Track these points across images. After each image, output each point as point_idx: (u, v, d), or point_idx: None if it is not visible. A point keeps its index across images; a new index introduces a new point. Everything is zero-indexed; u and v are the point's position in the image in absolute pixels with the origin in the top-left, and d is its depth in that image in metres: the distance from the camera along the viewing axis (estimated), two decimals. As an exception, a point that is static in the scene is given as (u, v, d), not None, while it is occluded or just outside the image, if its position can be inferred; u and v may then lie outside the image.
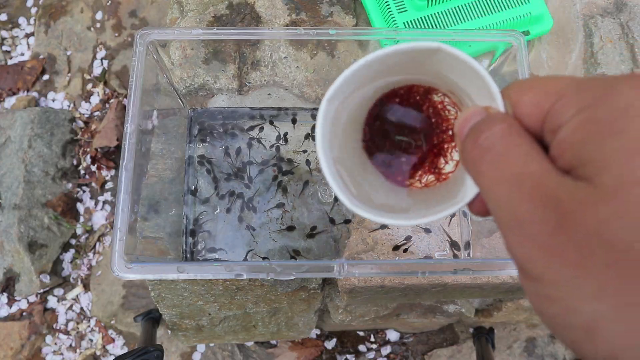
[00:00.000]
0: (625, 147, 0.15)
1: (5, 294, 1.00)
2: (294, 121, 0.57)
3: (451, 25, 0.52)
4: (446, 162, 0.29)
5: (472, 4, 0.53)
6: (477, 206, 0.23)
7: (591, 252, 0.15)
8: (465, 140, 0.20)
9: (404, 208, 0.28)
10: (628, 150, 0.15)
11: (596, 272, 0.15)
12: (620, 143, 0.15)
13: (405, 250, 0.53)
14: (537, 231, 0.16)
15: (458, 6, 0.53)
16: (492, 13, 0.53)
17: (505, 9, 0.53)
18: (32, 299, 1.02)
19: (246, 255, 0.53)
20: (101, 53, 1.16)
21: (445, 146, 0.29)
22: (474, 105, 0.22)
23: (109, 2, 1.18)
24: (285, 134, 0.56)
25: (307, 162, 0.55)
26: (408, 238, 0.53)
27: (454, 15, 0.52)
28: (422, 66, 0.26)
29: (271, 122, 0.57)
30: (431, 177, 0.29)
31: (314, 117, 0.57)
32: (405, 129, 0.30)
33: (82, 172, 1.09)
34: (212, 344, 0.96)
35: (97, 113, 1.13)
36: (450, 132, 0.28)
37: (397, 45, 0.24)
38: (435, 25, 0.52)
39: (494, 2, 0.53)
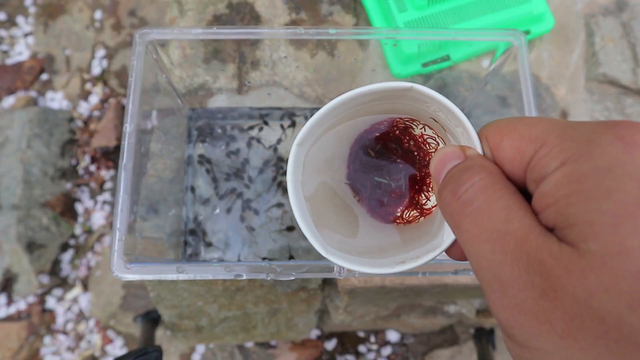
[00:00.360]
0: (612, 212, 0.14)
1: (3, 295, 1.00)
2: (293, 124, 0.57)
3: (451, 25, 0.52)
4: (427, 198, 0.28)
5: (473, 3, 0.52)
6: (455, 252, 0.22)
7: (581, 324, 0.14)
8: (444, 190, 0.19)
9: (392, 247, 0.26)
10: (615, 216, 0.14)
11: (587, 346, 0.14)
12: (607, 206, 0.14)
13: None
14: (522, 296, 0.15)
15: (458, 5, 0.52)
16: (492, 12, 0.53)
17: (506, 8, 0.53)
18: (31, 299, 1.02)
19: (240, 256, 0.53)
20: (100, 52, 1.15)
21: (428, 181, 0.28)
22: (449, 145, 0.21)
23: (108, 1, 1.17)
24: (285, 133, 0.56)
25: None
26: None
27: (455, 15, 0.52)
28: (399, 102, 0.25)
29: (267, 124, 0.57)
30: (414, 213, 0.28)
31: (314, 116, 0.57)
32: (385, 166, 0.29)
33: (81, 172, 1.09)
34: (211, 345, 0.96)
35: (96, 113, 1.13)
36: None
37: (368, 86, 0.23)
38: (436, 24, 0.52)
39: (495, 1, 0.53)
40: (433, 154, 0.27)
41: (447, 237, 0.22)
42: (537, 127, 0.18)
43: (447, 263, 0.40)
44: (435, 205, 0.27)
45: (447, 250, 0.22)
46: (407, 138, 0.28)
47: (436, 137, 0.27)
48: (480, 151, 0.20)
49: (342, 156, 0.29)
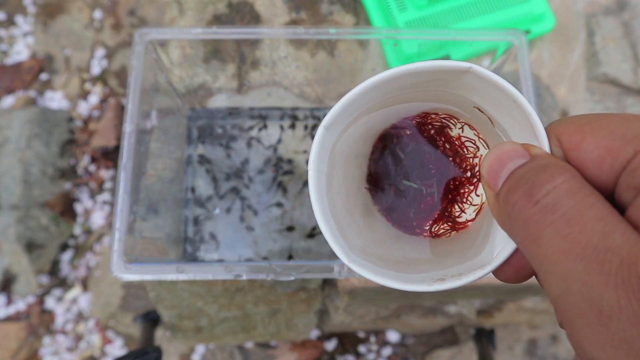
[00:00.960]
0: None
1: (2, 295, 1.00)
2: (293, 125, 0.57)
3: (452, 24, 0.52)
4: (462, 210, 0.24)
5: (473, 2, 0.52)
6: (507, 272, 0.19)
7: None
8: (514, 192, 0.16)
9: (422, 261, 0.23)
10: None
11: None
12: None
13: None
14: (633, 332, 0.12)
15: (459, 5, 0.52)
16: (493, 12, 0.52)
17: (507, 7, 0.52)
18: (30, 299, 1.01)
19: (239, 256, 0.53)
20: (100, 52, 1.15)
21: (463, 191, 0.24)
22: (507, 141, 0.18)
23: (108, 1, 1.17)
24: (285, 133, 0.56)
25: (307, 162, 0.55)
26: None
27: (455, 14, 0.52)
28: (443, 90, 0.21)
29: (266, 124, 0.57)
30: (445, 227, 0.25)
31: (314, 116, 0.57)
32: (414, 170, 0.25)
33: (81, 172, 1.09)
34: (211, 346, 0.96)
35: (95, 112, 1.12)
36: (468, 174, 0.24)
37: (419, 63, 0.19)
38: (436, 24, 0.52)
39: (495, 1, 0.52)
40: (471, 159, 0.24)
41: (500, 253, 0.19)
42: (635, 124, 0.15)
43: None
44: (471, 219, 0.24)
45: (497, 270, 0.19)
46: (443, 140, 0.24)
47: (476, 139, 0.24)
48: (548, 150, 0.17)
49: (365, 154, 0.25)
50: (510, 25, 0.52)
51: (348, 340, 0.99)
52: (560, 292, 0.14)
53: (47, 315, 1.02)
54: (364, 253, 0.22)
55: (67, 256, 1.04)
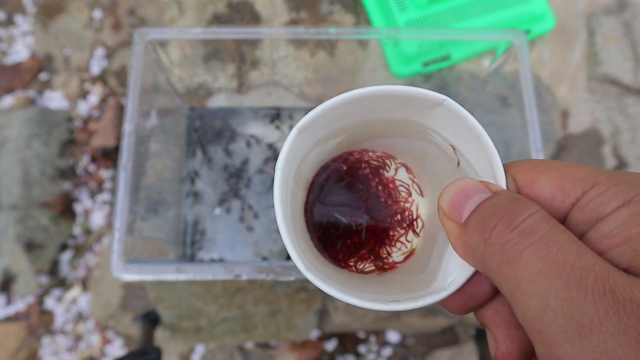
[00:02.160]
0: None
1: (2, 295, 1.00)
2: (291, 126, 0.56)
3: (452, 24, 0.52)
4: (389, 254, 0.24)
5: (474, 2, 0.52)
6: (459, 300, 0.20)
7: None
8: (487, 219, 0.17)
9: (369, 285, 0.23)
10: None
11: None
12: None
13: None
14: (613, 343, 0.13)
15: (459, 5, 0.52)
16: (493, 12, 0.52)
17: (507, 7, 0.52)
18: (30, 300, 1.01)
19: (239, 256, 0.53)
20: (99, 52, 1.15)
21: (392, 233, 0.24)
22: (467, 177, 0.19)
23: (107, 0, 1.17)
24: (285, 133, 0.56)
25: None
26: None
27: (455, 14, 0.52)
28: (412, 121, 0.22)
29: (266, 123, 0.56)
30: (370, 266, 0.25)
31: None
32: (347, 204, 0.25)
33: (80, 172, 1.09)
34: (211, 346, 0.96)
35: (95, 112, 1.12)
36: (398, 217, 0.25)
37: (397, 86, 0.20)
38: (436, 23, 0.52)
39: (496, 1, 0.52)
40: (402, 204, 0.24)
41: (455, 280, 0.19)
42: (582, 169, 0.17)
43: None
44: (399, 262, 0.24)
45: (447, 299, 0.20)
46: (377, 180, 0.25)
47: (410, 184, 0.24)
48: (504, 187, 0.19)
49: (309, 181, 0.25)
50: (510, 25, 0.52)
51: (348, 341, 0.99)
52: (538, 310, 0.14)
53: (46, 316, 1.02)
54: (318, 264, 0.22)
55: (66, 256, 1.04)
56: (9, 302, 1.00)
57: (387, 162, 0.25)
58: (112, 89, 1.13)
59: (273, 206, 0.54)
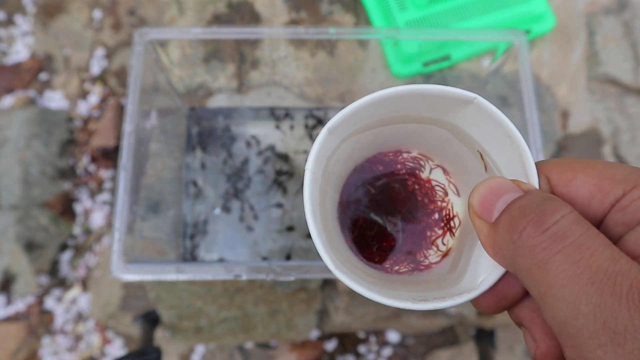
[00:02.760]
0: None
1: (2, 295, 1.00)
2: (292, 126, 0.56)
3: (452, 24, 0.52)
4: (426, 257, 0.24)
5: (474, 2, 0.52)
6: (490, 300, 0.19)
7: None
8: (516, 220, 0.16)
9: (398, 283, 0.23)
10: None
11: None
12: None
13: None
14: None
15: (459, 5, 0.52)
16: (493, 12, 0.52)
17: (507, 7, 0.52)
18: (30, 300, 1.01)
19: (239, 256, 0.53)
20: (99, 52, 1.15)
21: (429, 234, 0.24)
22: (497, 177, 0.19)
23: (107, 0, 1.17)
24: (285, 133, 0.56)
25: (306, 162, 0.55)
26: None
27: (455, 14, 0.52)
28: (441, 120, 0.21)
29: (266, 123, 0.56)
30: (406, 267, 0.25)
31: (313, 116, 0.56)
32: (382, 205, 0.25)
33: (80, 172, 1.09)
34: (211, 346, 0.96)
35: (95, 112, 1.12)
36: (436, 216, 0.24)
37: (426, 85, 0.20)
38: (436, 23, 0.52)
39: (496, 1, 0.52)
40: (439, 203, 0.24)
41: (486, 280, 0.19)
42: (621, 168, 0.17)
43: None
44: (435, 262, 0.24)
45: (478, 298, 0.20)
46: (413, 180, 0.25)
47: (447, 184, 0.24)
48: (537, 187, 0.18)
49: (343, 178, 0.25)
50: (510, 25, 0.52)
51: (348, 341, 0.98)
52: (569, 316, 0.14)
53: (46, 316, 1.02)
54: (349, 263, 0.21)
55: (66, 256, 1.04)
56: (9, 302, 1.00)
57: (422, 162, 0.25)
58: (112, 89, 1.13)
59: (274, 206, 0.54)
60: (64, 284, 1.03)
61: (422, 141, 0.24)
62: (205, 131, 0.56)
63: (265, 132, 0.56)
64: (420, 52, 0.51)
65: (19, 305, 1.00)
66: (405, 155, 0.25)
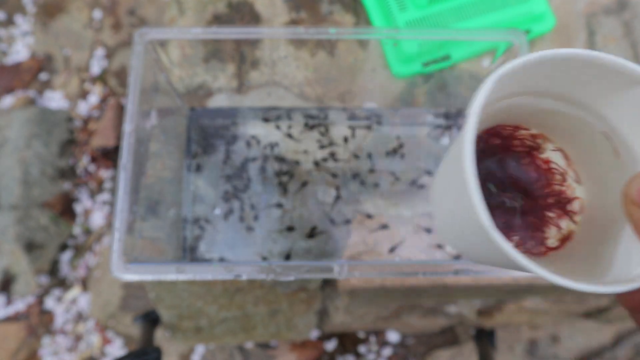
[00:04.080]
0: None
1: (2, 295, 1.00)
2: (291, 126, 0.56)
3: (452, 24, 0.52)
4: (544, 239, 0.23)
5: (474, 2, 0.52)
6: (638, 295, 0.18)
7: None
8: None
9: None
10: None
11: None
12: None
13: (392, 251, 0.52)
14: None
15: (459, 5, 0.52)
16: (493, 12, 0.52)
17: (507, 7, 0.52)
18: (30, 300, 1.01)
19: (239, 256, 0.53)
20: (99, 52, 1.15)
21: (546, 215, 0.23)
22: None
23: (107, 0, 1.17)
24: (285, 132, 0.56)
25: (307, 162, 0.55)
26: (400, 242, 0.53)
27: (455, 14, 0.52)
28: (568, 91, 0.20)
29: (266, 123, 0.56)
30: (532, 244, 0.23)
31: (313, 116, 0.56)
32: (498, 179, 0.24)
33: (80, 172, 1.09)
34: (211, 346, 0.96)
35: (95, 112, 1.12)
36: (551, 200, 0.23)
37: (593, 52, 0.18)
38: (436, 23, 0.52)
39: (496, 1, 0.52)
40: (557, 187, 0.23)
41: None
42: None
43: (447, 263, 0.39)
44: (553, 247, 0.23)
45: (631, 292, 0.18)
46: (529, 159, 0.24)
47: (567, 169, 0.23)
48: None
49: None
50: (510, 25, 0.52)
51: (348, 341, 0.98)
52: None
53: (46, 316, 1.02)
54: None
55: (66, 256, 1.04)
56: (9, 302, 1.00)
57: (540, 142, 0.24)
58: (112, 89, 1.13)
59: (274, 206, 0.54)
60: (64, 284, 1.03)
61: (550, 121, 0.22)
62: (205, 131, 0.56)
63: (265, 132, 0.56)
64: (420, 52, 0.51)
65: (19, 305, 1.00)
66: (523, 132, 0.24)
